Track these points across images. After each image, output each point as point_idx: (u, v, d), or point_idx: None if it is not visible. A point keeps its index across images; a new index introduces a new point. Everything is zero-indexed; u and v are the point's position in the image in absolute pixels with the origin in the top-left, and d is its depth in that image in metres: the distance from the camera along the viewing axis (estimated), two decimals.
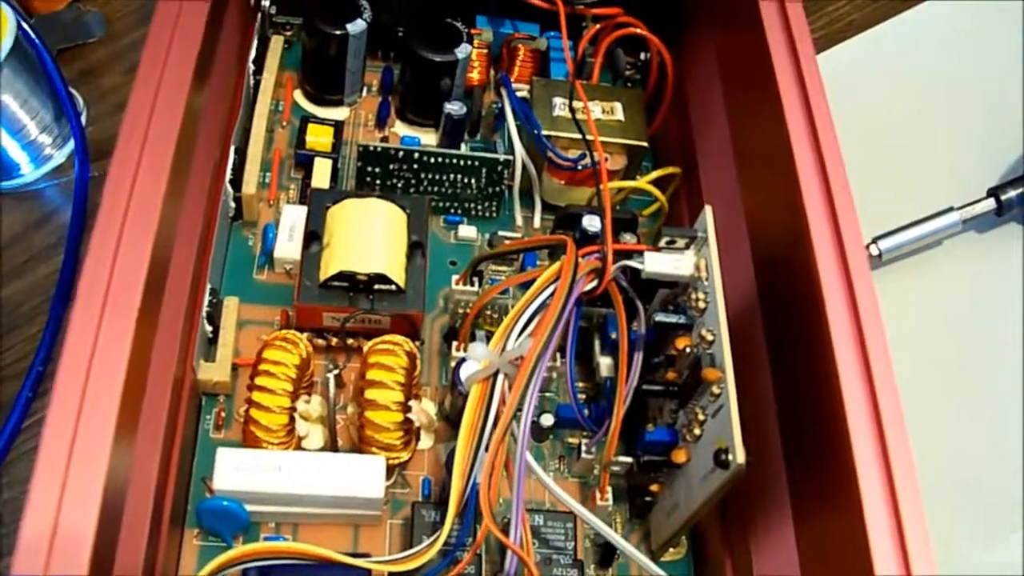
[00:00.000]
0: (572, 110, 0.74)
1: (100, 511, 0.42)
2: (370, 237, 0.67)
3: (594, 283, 0.62)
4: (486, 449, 0.57)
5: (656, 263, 0.61)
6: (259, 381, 0.63)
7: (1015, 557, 0.73)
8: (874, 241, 0.83)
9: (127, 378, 0.46)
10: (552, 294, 0.60)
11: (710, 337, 0.58)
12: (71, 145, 0.84)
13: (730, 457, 0.54)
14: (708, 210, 0.61)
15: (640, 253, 0.62)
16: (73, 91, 0.85)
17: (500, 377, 0.58)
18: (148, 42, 0.56)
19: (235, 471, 0.60)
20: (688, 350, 0.61)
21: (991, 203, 0.86)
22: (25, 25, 0.80)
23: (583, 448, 0.67)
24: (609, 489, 0.67)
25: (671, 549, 0.66)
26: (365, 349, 0.66)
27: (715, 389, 0.57)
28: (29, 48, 0.81)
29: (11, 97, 0.80)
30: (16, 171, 0.83)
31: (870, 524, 0.47)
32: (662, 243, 0.62)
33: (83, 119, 0.85)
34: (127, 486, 0.49)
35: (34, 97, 0.82)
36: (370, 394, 0.63)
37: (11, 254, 0.79)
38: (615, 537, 0.59)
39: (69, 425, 0.44)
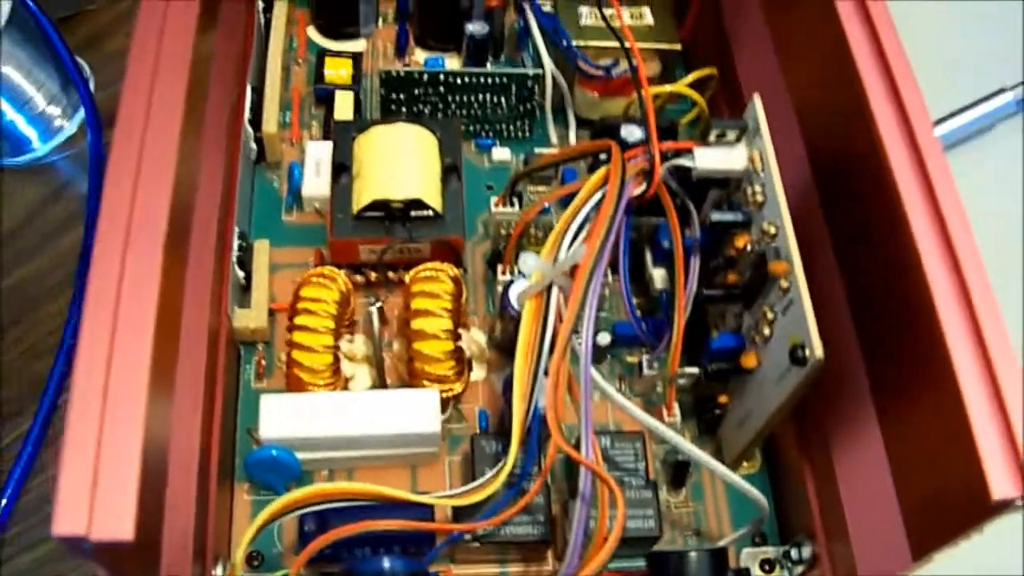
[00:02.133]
0: (603, 16, 0.71)
1: (141, 469, 0.39)
2: (402, 163, 0.65)
3: (643, 186, 0.59)
4: (545, 372, 0.54)
5: (707, 159, 0.58)
6: (299, 320, 0.61)
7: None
8: None
9: (157, 330, 0.42)
10: (600, 201, 0.57)
11: (772, 230, 0.55)
12: (81, 114, 0.81)
13: (807, 352, 0.51)
14: (757, 98, 0.58)
15: (689, 151, 0.59)
16: (79, 59, 0.83)
17: (554, 291, 0.55)
18: None
19: (281, 418, 0.58)
20: (749, 248, 0.58)
21: None
22: None
23: (644, 364, 0.64)
24: (676, 405, 0.64)
25: (744, 463, 0.64)
26: (407, 279, 0.63)
27: (783, 283, 0.54)
28: (29, 16, 0.79)
29: (13, 68, 0.78)
30: (27, 146, 0.80)
31: (972, 413, 0.43)
32: (711, 137, 0.59)
33: (91, 86, 0.82)
34: (168, 443, 0.46)
35: (38, 67, 0.80)
36: (417, 324, 0.61)
37: (30, 230, 0.77)
38: (691, 448, 0.56)
39: (99, 380, 0.40)
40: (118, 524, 0.37)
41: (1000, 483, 0.41)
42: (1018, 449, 0.42)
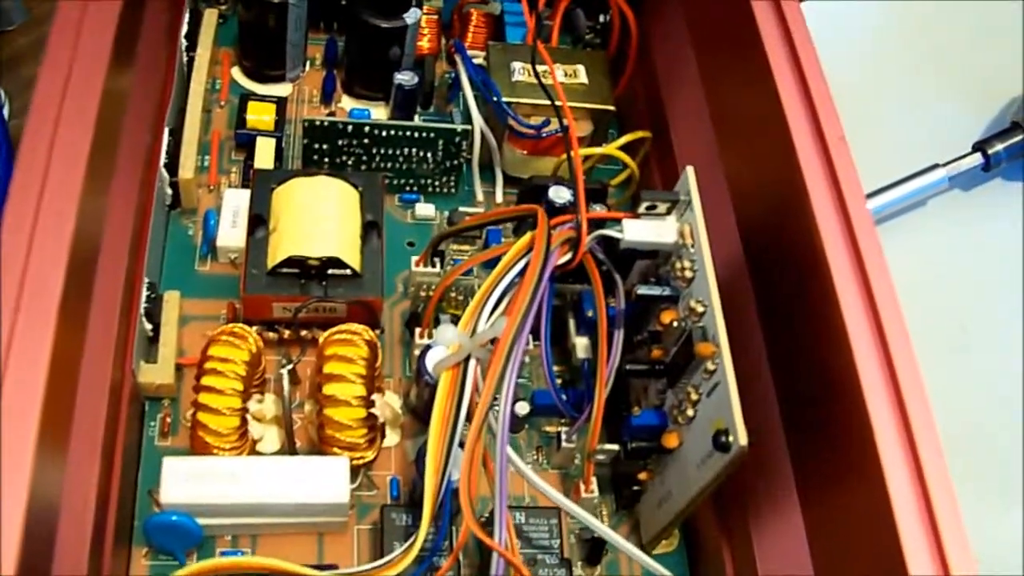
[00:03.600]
0: (536, 73, 0.71)
1: (23, 532, 0.37)
2: (321, 218, 0.63)
3: (568, 255, 0.58)
4: (460, 444, 0.53)
5: (636, 231, 0.57)
6: (206, 381, 0.58)
7: (1015, 533, 0.71)
8: None
9: (48, 385, 0.41)
10: (523, 270, 0.56)
11: (700, 308, 0.54)
12: None
13: (731, 439, 0.49)
14: (690, 171, 0.57)
15: (617, 221, 0.58)
16: None
17: (472, 363, 0.53)
18: (57, 16, 0.52)
19: (184, 482, 0.56)
20: (675, 324, 0.57)
21: (978, 158, 0.84)
22: None
23: (563, 437, 0.62)
24: (594, 480, 0.62)
25: (663, 541, 0.62)
26: (321, 340, 0.61)
27: (709, 365, 0.52)
28: None
29: None
30: None
31: (895, 498, 0.44)
32: (641, 209, 0.58)
33: (5, 112, 0.80)
34: (59, 502, 0.44)
35: None
36: (329, 389, 0.59)
37: None
38: (608, 532, 0.55)
39: None
40: None
41: (920, 567, 0.42)
42: (941, 539, 0.42)
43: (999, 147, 0.83)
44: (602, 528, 0.55)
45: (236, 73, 0.78)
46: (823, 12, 0.94)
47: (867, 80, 0.92)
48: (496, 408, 0.53)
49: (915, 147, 0.87)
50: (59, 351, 0.42)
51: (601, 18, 0.82)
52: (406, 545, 0.53)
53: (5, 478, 0.38)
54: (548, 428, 0.65)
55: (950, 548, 0.42)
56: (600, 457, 0.61)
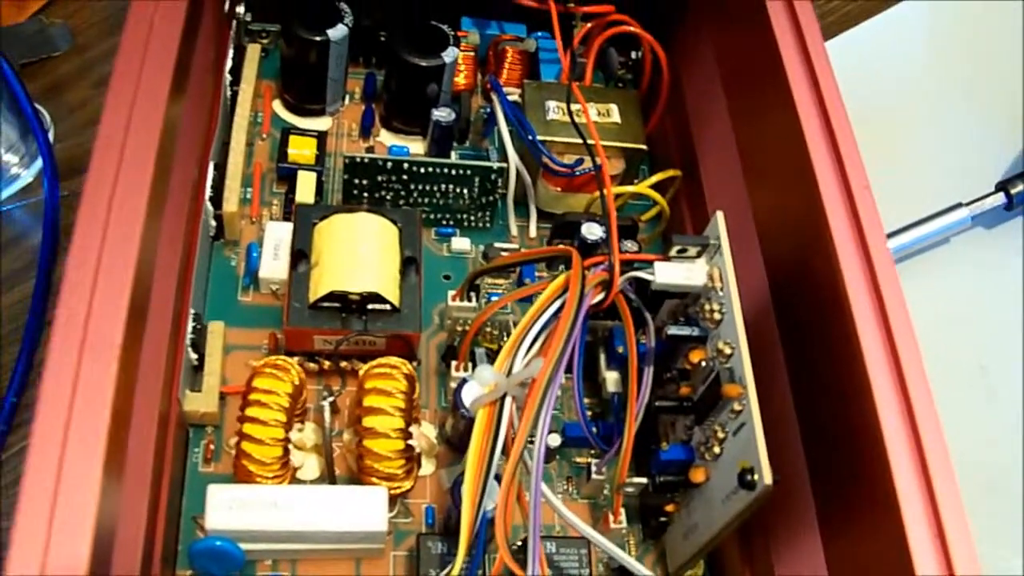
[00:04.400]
0: (570, 113, 0.72)
1: (91, 556, 0.39)
2: (361, 254, 0.65)
3: (601, 295, 0.59)
4: (496, 477, 0.54)
5: (667, 273, 0.59)
6: (250, 412, 0.60)
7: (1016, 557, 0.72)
8: None
9: (112, 416, 0.43)
10: (558, 310, 0.57)
11: (728, 351, 0.55)
12: (38, 164, 0.81)
13: (756, 477, 0.51)
14: (720, 216, 0.58)
15: (648, 263, 0.59)
16: (39, 107, 0.82)
17: (508, 400, 0.55)
18: (121, 51, 0.53)
19: (228, 509, 0.57)
20: (703, 363, 0.58)
21: (1000, 197, 0.85)
22: None
23: (593, 468, 0.64)
24: (622, 510, 0.64)
25: (688, 572, 0.64)
26: (361, 373, 0.63)
27: (736, 406, 0.54)
28: None
29: None
30: None
31: (912, 539, 0.45)
32: (672, 252, 0.59)
33: (50, 136, 0.82)
34: (116, 529, 0.46)
35: None
36: (368, 422, 0.60)
37: None
38: (634, 564, 0.56)
39: (52, 469, 0.41)
40: None
41: None
42: None
43: (1022, 187, 0.84)
44: (628, 560, 0.56)
45: (277, 106, 0.80)
46: (856, 44, 0.96)
47: (900, 111, 0.94)
48: (531, 444, 0.54)
49: (943, 176, 0.89)
50: (120, 382, 0.44)
51: (633, 55, 0.84)
52: (443, 573, 0.55)
53: (75, 506, 0.39)
54: (578, 459, 0.67)
55: None
56: (629, 490, 0.62)
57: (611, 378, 0.67)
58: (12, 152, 0.81)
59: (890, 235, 0.81)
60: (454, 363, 0.65)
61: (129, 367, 0.47)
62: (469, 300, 0.66)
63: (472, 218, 0.76)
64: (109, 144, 0.50)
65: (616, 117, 0.76)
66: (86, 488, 0.40)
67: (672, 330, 0.59)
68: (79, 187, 0.78)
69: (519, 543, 0.56)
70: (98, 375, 0.43)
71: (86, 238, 0.47)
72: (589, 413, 0.67)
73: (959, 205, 0.84)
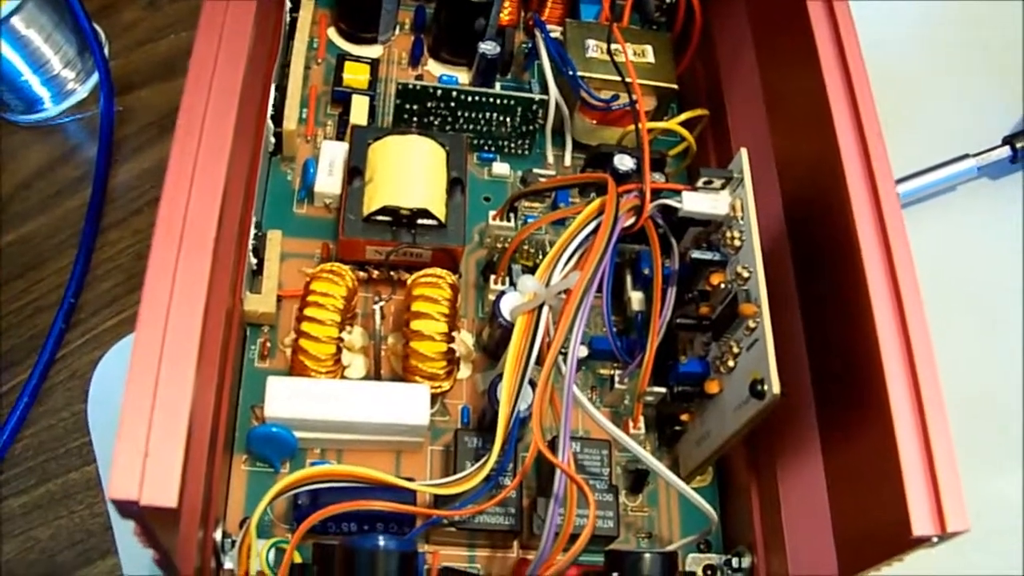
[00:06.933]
0: (610, 52, 0.76)
1: (186, 443, 0.43)
2: (412, 173, 0.69)
3: (632, 220, 0.64)
4: (531, 383, 0.59)
5: (694, 202, 0.63)
6: (308, 312, 0.64)
7: (1016, 490, 0.76)
8: None
9: (204, 311, 0.47)
10: (593, 231, 0.62)
11: (745, 274, 0.60)
12: (94, 79, 0.85)
13: (766, 387, 0.56)
14: (744, 152, 0.62)
15: (676, 192, 0.64)
16: (95, 25, 0.85)
17: (545, 309, 0.60)
18: None
19: (287, 399, 0.62)
20: (722, 285, 0.63)
21: (1006, 151, 0.89)
22: None
23: (616, 379, 0.69)
24: (641, 418, 0.69)
25: (698, 477, 0.69)
26: (409, 281, 0.67)
27: (750, 323, 0.58)
28: None
29: (35, 32, 0.81)
30: (39, 105, 0.84)
31: (903, 458, 0.48)
32: (699, 183, 0.64)
33: (105, 52, 0.86)
34: (195, 414, 0.51)
35: (58, 31, 0.83)
36: (416, 325, 0.65)
37: (38, 187, 0.81)
38: (652, 460, 0.61)
39: (154, 358, 0.44)
40: (165, 493, 0.41)
41: (921, 522, 0.47)
42: (940, 495, 0.47)
43: None
44: (650, 459, 0.61)
45: (332, 34, 0.83)
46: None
47: (916, 68, 0.97)
48: (564, 351, 0.59)
49: (953, 134, 0.92)
50: (210, 280, 0.48)
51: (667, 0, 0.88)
52: (479, 464, 0.60)
53: (173, 400, 0.44)
54: (602, 371, 0.72)
55: (947, 500, 0.47)
56: (648, 398, 0.67)
57: (636, 297, 0.71)
58: (69, 68, 0.84)
59: (899, 180, 0.85)
60: (492, 277, 0.70)
61: (214, 265, 0.51)
62: (508, 220, 0.71)
63: (512, 145, 0.80)
64: (202, 66, 0.53)
65: (650, 57, 0.80)
66: (183, 380, 0.45)
67: (695, 254, 0.64)
68: (132, 103, 0.82)
69: (549, 440, 0.60)
70: (196, 270, 0.47)
71: (184, 150, 0.50)
72: (615, 329, 0.72)
73: (966, 156, 0.87)
